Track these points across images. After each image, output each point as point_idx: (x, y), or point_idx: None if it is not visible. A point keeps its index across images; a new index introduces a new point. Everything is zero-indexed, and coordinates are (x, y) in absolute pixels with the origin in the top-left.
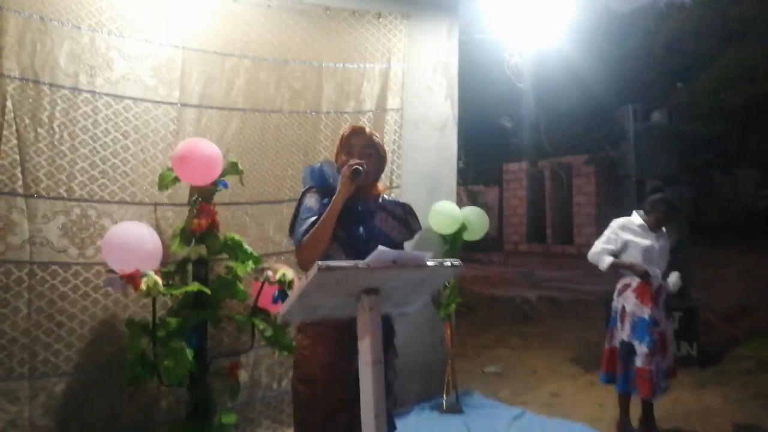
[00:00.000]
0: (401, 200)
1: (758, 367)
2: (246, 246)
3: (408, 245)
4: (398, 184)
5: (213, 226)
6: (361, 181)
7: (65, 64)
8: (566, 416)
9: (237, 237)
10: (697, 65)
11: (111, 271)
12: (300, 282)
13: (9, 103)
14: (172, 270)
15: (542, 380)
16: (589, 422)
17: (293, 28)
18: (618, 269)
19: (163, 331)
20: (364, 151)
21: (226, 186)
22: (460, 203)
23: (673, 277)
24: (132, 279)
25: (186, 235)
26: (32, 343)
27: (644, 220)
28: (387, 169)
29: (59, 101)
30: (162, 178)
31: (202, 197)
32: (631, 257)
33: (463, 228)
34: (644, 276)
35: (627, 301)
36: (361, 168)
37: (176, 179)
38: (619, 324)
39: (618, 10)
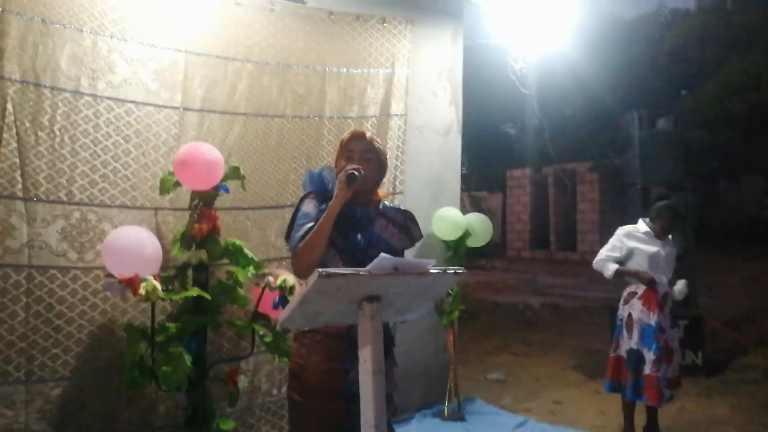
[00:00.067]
0: (404, 206)
1: (765, 377)
2: (247, 251)
3: (410, 251)
4: (402, 189)
5: (214, 230)
6: (359, 187)
7: (67, 67)
8: (569, 424)
9: (238, 242)
10: (701, 73)
11: (110, 275)
12: (300, 288)
13: (9, 106)
14: (172, 275)
15: (545, 387)
16: (592, 431)
17: (296, 32)
18: (623, 277)
19: (162, 336)
20: (363, 156)
21: (227, 191)
22: (463, 209)
23: (680, 285)
24: (131, 284)
25: (186, 239)
26: (29, 347)
27: (650, 228)
28: (390, 175)
29: (60, 104)
30: (163, 182)
31: (204, 202)
32: (637, 264)
33: (466, 234)
34: (650, 283)
35: (633, 308)
36: (357, 173)
37: (177, 183)
38: (625, 332)
39: (623, 17)
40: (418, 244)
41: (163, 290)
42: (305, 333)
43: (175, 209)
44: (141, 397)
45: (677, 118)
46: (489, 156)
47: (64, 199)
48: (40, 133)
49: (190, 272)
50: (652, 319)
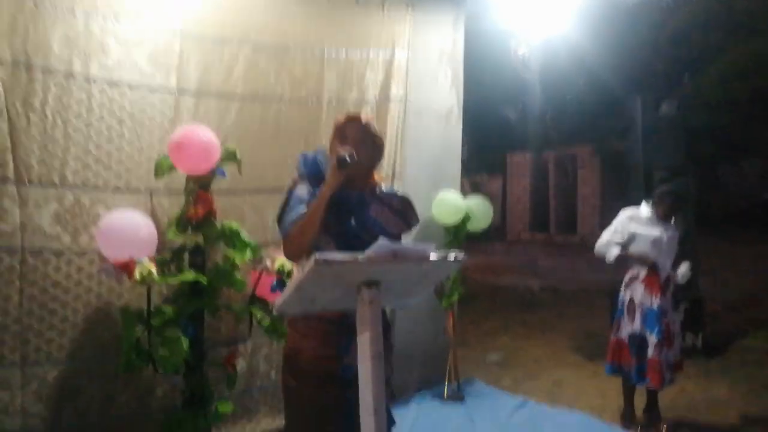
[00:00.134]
0: (403, 190)
1: (764, 358)
2: (244, 235)
3: (410, 235)
4: (401, 173)
5: (210, 214)
6: (353, 171)
7: (59, 49)
8: (569, 406)
9: (235, 225)
10: (704, 57)
11: (105, 258)
12: (297, 274)
13: (0, 89)
14: (168, 258)
15: (544, 369)
16: (591, 412)
17: (294, 14)
18: (625, 261)
19: (158, 319)
20: (358, 139)
21: (223, 175)
22: (463, 193)
23: (683, 269)
24: (125, 267)
25: (182, 222)
26: (24, 330)
27: (652, 212)
28: (390, 159)
29: (52, 87)
30: (158, 165)
31: (200, 185)
32: (639, 248)
33: (466, 218)
34: (652, 267)
35: (635, 292)
36: (347, 157)
37: (172, 167)
38: (626, 316)
39: (625, 1)
40: (416, 228)
41: (158, 274)
42: (299, 318)
43: (171, 192)
44: (138, 381)
45: (680, 103)
46: (489, 139)
47: (57, 182)
48: (31, 116)
49: (186, 256)
50: (655, 303)
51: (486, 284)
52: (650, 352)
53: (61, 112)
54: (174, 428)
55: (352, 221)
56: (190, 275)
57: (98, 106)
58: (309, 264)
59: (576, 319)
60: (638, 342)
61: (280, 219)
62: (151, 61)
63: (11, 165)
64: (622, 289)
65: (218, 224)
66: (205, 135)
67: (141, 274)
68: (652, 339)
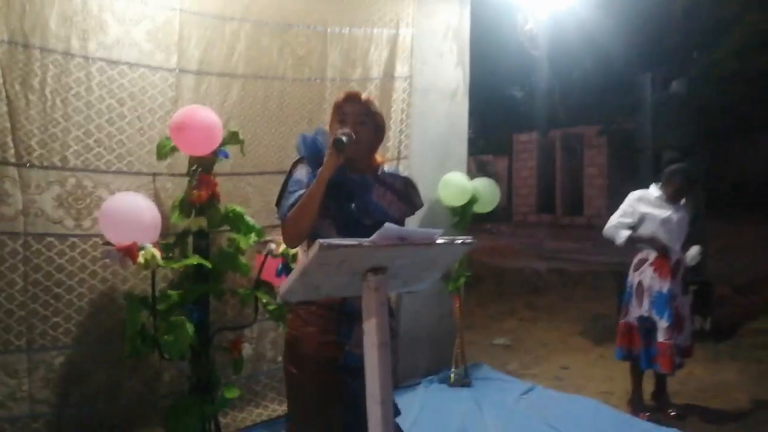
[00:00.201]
0: (408, 171)
1: None
2: (248, 218)
3: (416, 217)
4: (406, 154)
5: (213, 197)
6: (352, 153)
7: (56, 27)
8: (576, 390)
9: (238, 209)
10: (717, 31)
11: (108, 243)
12: (301, 260)
13: None
14: (172, 242)
15: (552, 353)
16: (599, 397)
17: None
18: (635, 243)
19: (163, 304)
20: (358, 119)
21: (226, 156)
22: (469, 173)
23: (693, 251)
24: (129, 252)
25: (186, 206)
26: (29, 315)
27: (662, 192)
28: (395, 139)
29: (51, 66)
30: (160, 147)
31: (202, 167)
32: (649, 230)
33: (473, 200)
34: (663, 250)
35: (644, 276)
36: (344, 139)
37: (175, 148)
38: (635, 300)
39: None
40: (422, 210)
41: (163, 258)
42: (300, 304)
43: (174, 175)
44: (145, 366)
45: (691, 81)
46: (495, 119)
47: (59, 164)
48: (30, 97)
49: (190, 239)
50: (664, 287)
51: (492, 267)
52: (660, 336)
53: (60, 92)
54: (181, 414)
55: (353, 205)
56: (194, 260)
57: (98, 85)
58: (313, 250)
59: (583, 301)
60: (647, 326)
61: (279, 203)
62: (151, 39)
63: (11, 147)
64: (631, 272)
65: (222, 207)
66: (207, 115)
67: (145, 258)
68: (663, 323)
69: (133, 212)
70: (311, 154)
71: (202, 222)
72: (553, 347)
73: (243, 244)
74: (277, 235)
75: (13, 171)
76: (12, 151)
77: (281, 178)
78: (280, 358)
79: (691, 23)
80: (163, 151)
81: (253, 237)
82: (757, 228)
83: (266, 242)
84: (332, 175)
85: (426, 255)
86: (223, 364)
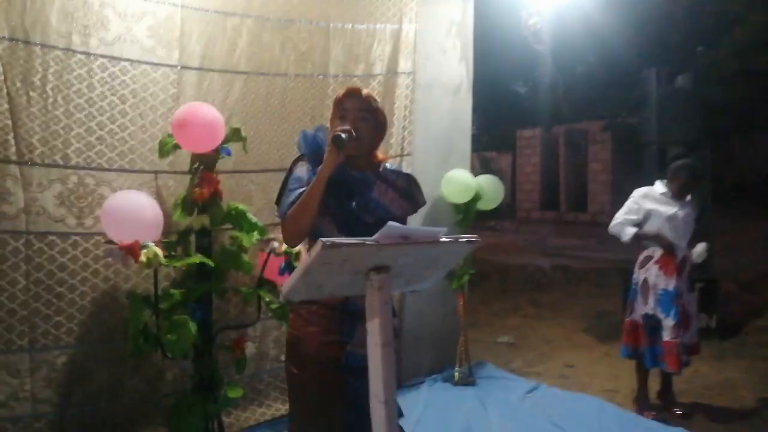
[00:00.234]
0: (412, 168)
1: None
2: (250, 216)
3: (419, 215)
4: (409, 151)
5: (216, 195)
6: (353, 150)
7: (57, 23)
8: (581, 388)
9: (241, 206)
10: (721, 28)
11: (110, 241)
12: (303, 259)
13: None
14: (175, 241)
15: (556, 350)
16: (604, 395)
17: None
18: (641, 240)
19: (166, 303)
20: (358, 115)
21: (228, 153)
22: (473, 170)
23: (699, 248)
24: (131, 250)
25: (188, 204)
26: (31, 315)
27: (667, 188)
28: (398, 136)
29: (52, 63)
30: (162, 144)
31: (204, 165)
32: (654, 227)
33: (477, 197)
34: (668, 248)
35: (649, 273)
36: (344, 135)
37: (177, 146)
38: (640, 297)
39: None
40: (425, 208)
41: (165, 256)
42: (302, 303)
43: (176, 172)
44: (148, 365)
45: (696, 76)
46: (498, 115)
47: (60, 162)
48: (32, 94)
49: (193, 238)
50: (670, 285)
51: (495, 264)
52: (666, 335)
53: (61, 89)
54: (183, 413)
55: (354, 203)
56: (196, 258)
57: (99, 82)
58: (316, 249)
59: (587, 298)
60: (652, 324)
61: (279, 201)
62: (152, 35)
63: (13, 144)
64: (636, 269)
65: (224, 205)
66: (209, 112)
67: (147, 257)
68: (668, 322)
69: (135, 210)
70: (312, 152)
71: (205, 220)
72: (557, 345)
73: (246, 242)
74: (280, 233)
75: (14, 169)
76: (13, 149)
77: (284, 176)
78: (283, 357)
79: (693, 22)
80: (165, 148)
81: (255, 235)
82: (761, 225)
83: (269, 240)
84: (332, 173)
85: (430, 254)
86: (226, 363)
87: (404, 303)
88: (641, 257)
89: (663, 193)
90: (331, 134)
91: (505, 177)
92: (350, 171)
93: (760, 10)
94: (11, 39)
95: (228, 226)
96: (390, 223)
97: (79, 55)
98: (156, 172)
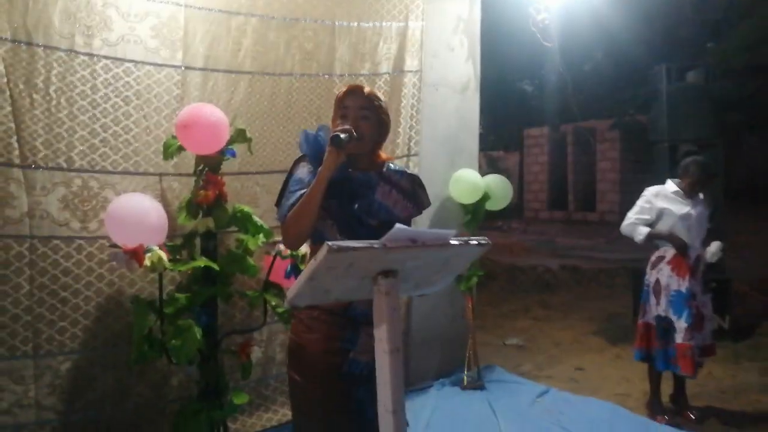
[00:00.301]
0: (419, 169)
1: None
2: (256, 218)
3: (427, 216)
4: (416, 151)
5: (221, 197)
6: (354, 149)
7: (60, 24)
8: (592, 392)
9: (246, 209)
10: (730, 22)
11: (114, 245)
12: (309, 263)
13: (1, 67)
14: (180, 244)
15: (566, 353)
16: (616, 399)
17: None
18: (654, 240)
19: (171, 307)
20: (359, 113)
21: (233, 155)
22: (480, 170)
23: (714, 247)
24: (135, 254)
25: (192, 207)
26: (35, 320)
27: (678, 187)
28: (405, 135)
29: (55, 64)
30: (166, 146)
31: (209, 167)
32: (667, 226)
33: (485, 197)
34: (682, 248)
35: (661, 274)
36: (343, 135)
37: (181, 148)
38: (652, 299)
39: None
40: (433, 209)
41: (170, 260)
42: (303, 309)
43: (180, 175)
44: (153, 370)
45: (706, 71)
46: (505, 114)
47: (64, 165)
48: (35, 96)
49: (198, 241)
50: (683, 285)
51: (503, 264)
52: (679, 337)
53: (65, 91)
54: (189, 419)
55: (356, 205)
56: (201, 262)
57: (103, 84)
58: (321, 253)
59: (597, 299)
60: (664, 325)
61: (279, 203)
62: (156, 35)
63: (16, 147)
64: (648, 269)
65: (230, 208)
66: (213, 113)
67: (151, 261)
68: (681, 324)
69: (139, 214)
70: (313, 152)
71: (210, 223)
72: (567, 347)
73: (251, 245)
74: None
75: (18, 172)
76: (17, 152)
77: None
78: None
79: (701, 16)
80: (170, 150)
81: (261, 238)
82: None
83: (275, 243)
84: (333, 174)
85: (439, 257)
86: (232, 368)
87: (412, 306)
88: (653, 257)
89: (675, 192)
90: (331, 133)
91: (512, 176)
92: (352, 172)
93: None
94: (13, 41)
95: (233, 228)
96: (398, 225)
97: (82, 57)
98: (161, 175)
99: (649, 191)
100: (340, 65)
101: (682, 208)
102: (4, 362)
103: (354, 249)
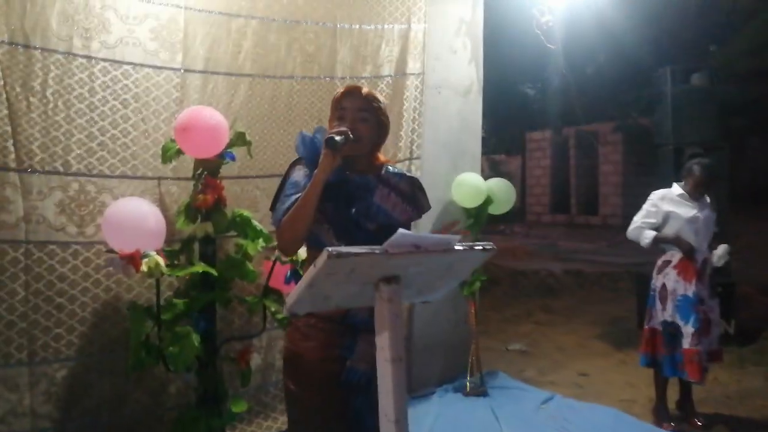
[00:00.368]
0: (421, 172)
1: None
2: (255, 223)
3: (429, 219)
4: (419, 154)
5: (220, 201)
6: (350, 152)
7: (57, 27)
8: (597, 398)
9: (246, 213)
10: (733, 24)
11: (111, 250)
12: (308, 270)
13: None
14: (178, 249)
15: (570, 358)
16: (621, 405)
17: None
18: (660, 244)
19: (169, 313)
20: (357, 115)
21: (233, 158)
22: (482, 173)
23: (720, 251)
24: (132, 260)
25: (191, 211)
26: (31, 327)
27: (684, 189)
28: (407, 138)
29: (52, 67)
30: (165, 150)
31: (208, 171)
32: (674, 229)
33: (488, 201)
34: (689, 251)
35: (668, 278)
36: (337, 137)
37: (180, 151)
38: (658, 304)
39: None
40: (435, 213)
41: (167, 265)
42: (300, 316)
43: (179, 178)
44: (151, 377)
45: (710, 74)
46: (507, 117)
47: (61, 169)
48: (32, 99)
49: (196, 246)
50: (689, 290)
51: (506, 268)
52: (686, 343)
53: (62, 94)
54: (187, 427)
55: (353, 209)
56: (200, 267)
57: (101, 87)
58: (321, 259)
59: (600, 303)
60: (671, 330)
61: (274, 207)
62: (155, 38)
63: (12, 151)
64: (654, 274)
65: (229, 212)
66: (212, 116)
67: (148, 266)
68: (688, 329)
69: (136, 218)
70: (310, 155)
71: (208, 227)
72: (571, 352)
73: (251, 250)
74: None
75: (14, 176)
76: (12, 156)
77: None
78: None
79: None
80: (168, 153)
81: (261, 242)
82: None
83: (274, 248)
84: (329, 177)
85: (443, 262)
86: (231, 375)
87: (414, 311)
88: (660, 262)
89: (681, 195)
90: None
91: (514, 180)
92: (350, 174)
93: None
94: (10, 43)
95: (232, 233)
96: (400, 230)
97: (80, 59)
98: (159, 179)
99: (655, 195)
100: (341, 68)
101: (688, 211)
102: None
103: (355, 255)
